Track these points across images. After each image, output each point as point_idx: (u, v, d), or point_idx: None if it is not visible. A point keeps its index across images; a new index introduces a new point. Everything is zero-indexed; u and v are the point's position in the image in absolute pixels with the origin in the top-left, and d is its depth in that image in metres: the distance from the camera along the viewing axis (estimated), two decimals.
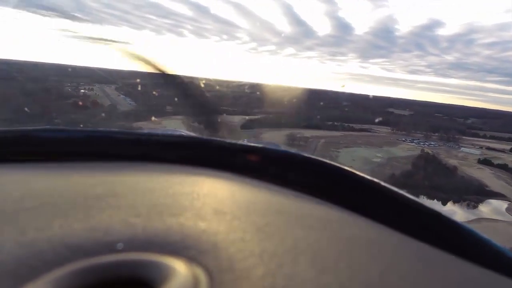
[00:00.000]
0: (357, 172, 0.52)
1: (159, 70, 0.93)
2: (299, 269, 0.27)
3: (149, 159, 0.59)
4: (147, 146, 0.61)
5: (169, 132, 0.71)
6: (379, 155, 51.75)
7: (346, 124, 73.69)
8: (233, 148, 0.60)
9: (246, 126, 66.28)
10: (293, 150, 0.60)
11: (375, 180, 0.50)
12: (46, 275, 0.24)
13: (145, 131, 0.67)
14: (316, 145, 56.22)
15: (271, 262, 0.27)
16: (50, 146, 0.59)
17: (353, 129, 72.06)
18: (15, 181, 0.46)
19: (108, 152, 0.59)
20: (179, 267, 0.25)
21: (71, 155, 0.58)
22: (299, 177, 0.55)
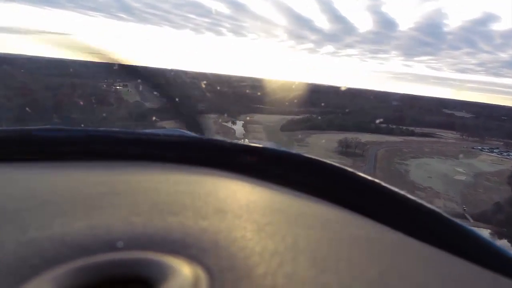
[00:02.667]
0: (357, 172, 0.53)
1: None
2: (299, 268, 0.27)
3: (150, 158, 0.59)
4: (148, 145, 0.61)
5: (170, 132, 0.72)
6: (460, 169, 40.71)
7: (404, 128, 62.60)
8: (234, 148, 0.60)
9: (287, 127, 57.04)
10: (293, 150, 0.61)
11: (375, 180, 0.51)
12: (47, 273, 0.24)
13: (146, 130, 0.68)
14: (375, 154, 45.82)
15: (272, 261, 0.27)
16: (51, 146, 0.59)
17: (413, 133, 61.11)
18: (15, 180, 0.47)
19: (109, 152, 0.60)
20: (180, 266, 0.26)
21: (71, 154, 0.59)
22: (300, 176, 0.55)
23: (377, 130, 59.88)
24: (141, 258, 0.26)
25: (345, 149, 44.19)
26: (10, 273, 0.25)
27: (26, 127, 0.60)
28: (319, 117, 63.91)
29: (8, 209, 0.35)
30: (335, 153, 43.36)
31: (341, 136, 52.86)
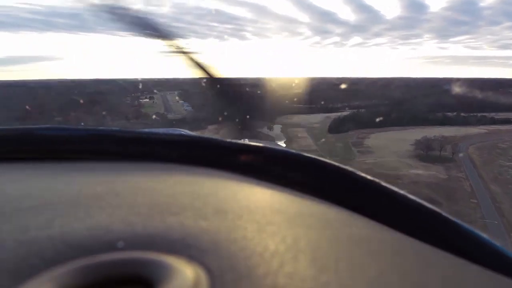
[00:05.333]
0: (358, 172, 0.53)
1: (213, 75, 1.09)
2: (300, 268, 0.27)
3: (150, 158, 0.59)
4: (148, 145, 0.61)
5: (170, 131, 0.73)
6: None
7: (479, 115, 50.75)
8: (234, 148, 0.60)
9: (335, 128, 46.80)
10: (293, 150, 0.60)
11: (375, 179, 0.51)
12: (46, 273, 0.24)
13: (146, 130, 0.68)
14: (466, 152, 34.43)
15: (272, 261, 0.27)
16: (51, 145, 0.60)
17: (495, 121, 49.02)
18: (16, 180, 0.47)
19: (109, 151, 0.60)
20: (180, 266, 0.26)
21: (72, 153, 0.59)
22: (300, 176, 0.55)
23: (446, 122, 48.45)
24: (141, 258, 0.27)
25: (425, 152, 33.29)
26: (10, 272, 0.25)
27: (27, 126, 0.60)
28: (368, 112, 53.15)
29: (8, 208, 0.35)
30: (414, 158, 32.71)
31: (404, 133, 42.10)
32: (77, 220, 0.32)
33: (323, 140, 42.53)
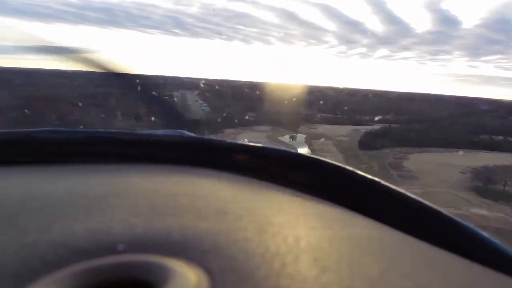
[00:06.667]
0: (358, 172, 0.53)
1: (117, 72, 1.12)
2: (301, 269, 0.27)
3: (150, 159, 0.59)
4: (148, 146, 0.61)
5: (170, 133, 0.73)
6: None
7: None
8: (234, 148, 0.60)
9: (366, 144, 41.33)
10: (293, 150, 0.61)
11: (376, 179, 0.51)
12: (47, 277, 0.24)
13: (145, 131, 0.68)
14: None
15: (273, 262, 0.27)
16: (50, 147, 0.60)
17: None
18: (15, 183, 0.47)
19: (108, 153, 0.60)
20: (180, 268, 0.26)
21: (71, 156, 0.59)
22: (300, 176, 0.55)
23: (494, 146, 42.33)
24: (141, 261, 0.26)
25: (485, 185, 27.55)
26: (10, 276, 0.25)
27: (25, 129, 0.60)
28: (402, 128, 47.51)
29: (8, 212, 0.35)
30: (470, 192, 27.05)
31: (449, 156, 36.49)
32: (77, 223, 0.32)
33: (354, 157, 37.03)
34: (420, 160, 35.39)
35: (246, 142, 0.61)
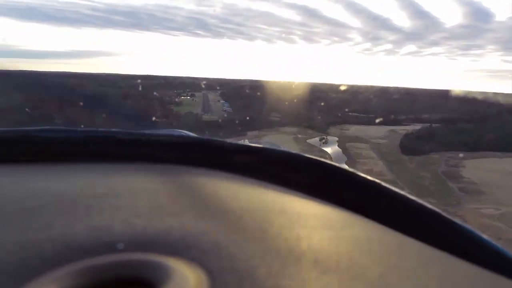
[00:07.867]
0: (359, 173, 0.53)
1: None
2: (301, 269, 0.27)
3: (150, 159, 0.59)
4: (148, 146, 0.62)
5: (170, 132, 0.74)
6: None
7: None
8: (234, 148, 0.61)
9: (410, 148, 35.96)
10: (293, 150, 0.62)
11: (376, 180, 0.51)
12: (47, 275, 0.25)
13: (146, 131, 0.68)
14: None
15: (273, 263, 0.27)
16: (51, 146, 0.60)
17: None
18: (16, 181, 0.48)
19: (109, 153, 0.61)
20: (180, 268, 0.26)
21: (71, 155, 0.60)
22: (301, 177, 0.55)
23: None
24: (141, 260, 0.27)
25: None
26: (10, 274, 0.25)
27: (26, 128, 0.61)
28: (447, 129, 41.72)
29: (8, 210, 0.35)
30: None
31: None
32: (77, 221, 0.32)
33: (398, 164, 31.80)
34: (480, 168, 30.02)
35: (246, 142, 0.60)
